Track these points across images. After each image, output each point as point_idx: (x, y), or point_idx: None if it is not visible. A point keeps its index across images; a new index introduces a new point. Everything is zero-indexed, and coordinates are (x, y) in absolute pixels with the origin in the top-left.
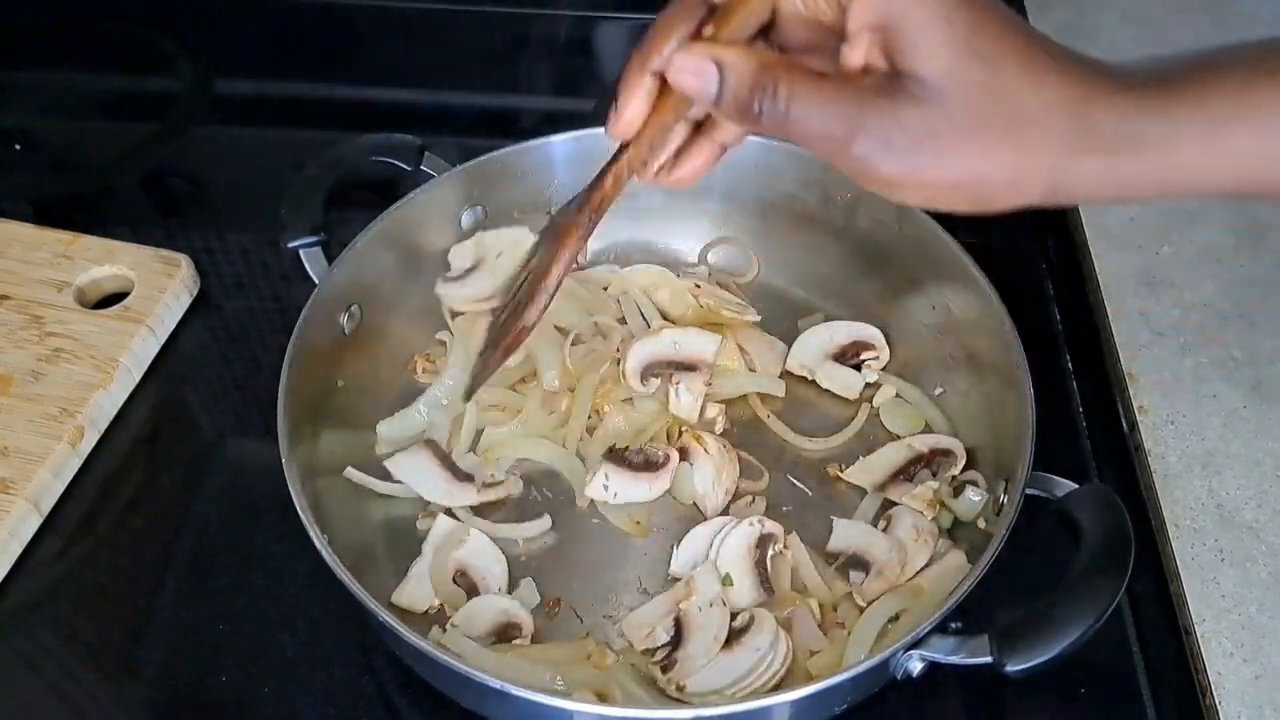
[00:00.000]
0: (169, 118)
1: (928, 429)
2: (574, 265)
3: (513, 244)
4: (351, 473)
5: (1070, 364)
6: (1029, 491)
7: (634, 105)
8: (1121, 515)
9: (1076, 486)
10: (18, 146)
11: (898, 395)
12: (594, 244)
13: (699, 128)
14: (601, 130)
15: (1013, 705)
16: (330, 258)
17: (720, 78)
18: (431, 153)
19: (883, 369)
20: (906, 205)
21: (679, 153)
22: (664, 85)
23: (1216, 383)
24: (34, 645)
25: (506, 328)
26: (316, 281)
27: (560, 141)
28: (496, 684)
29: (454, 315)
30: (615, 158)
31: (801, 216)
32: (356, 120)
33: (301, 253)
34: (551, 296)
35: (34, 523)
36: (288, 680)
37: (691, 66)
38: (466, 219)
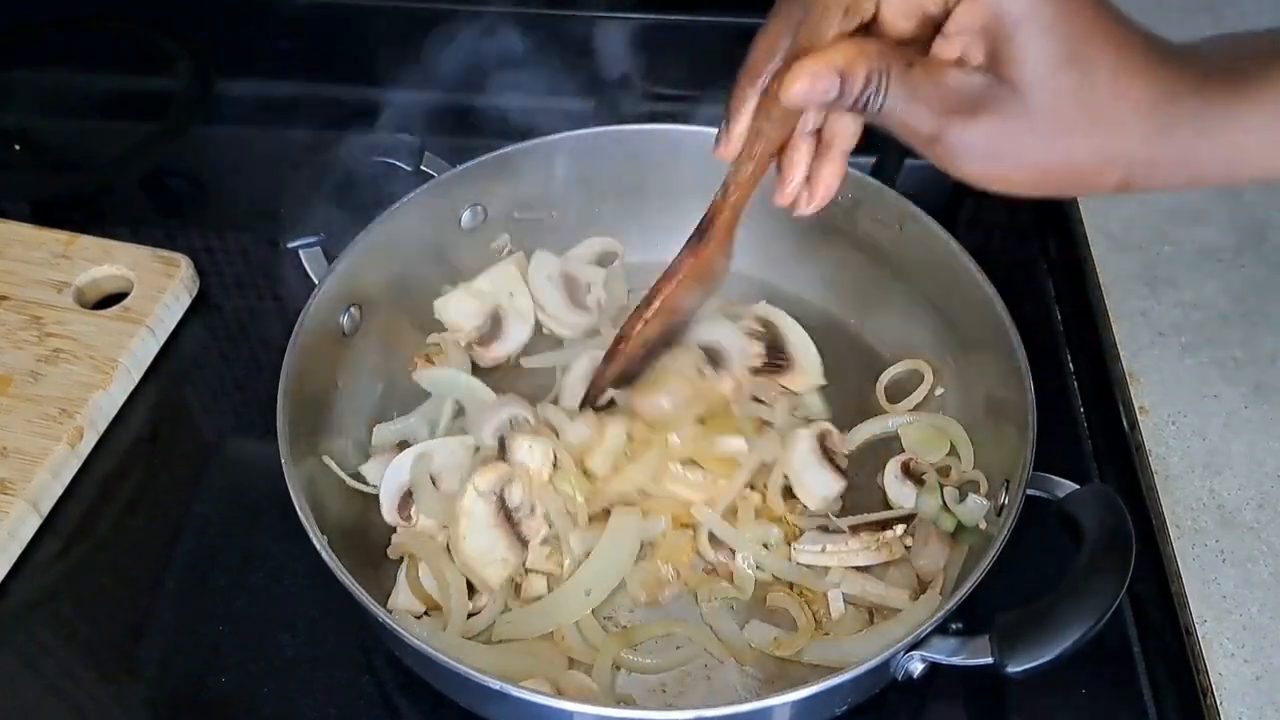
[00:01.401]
0: (169, 118)
1: (953, 452)
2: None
3: (515, 279)
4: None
5: (1070, 364)
6: (1030, 492)
7: (743, 122)
8: (1122, 515)
9: (1077, 487)
10: (18, 146)
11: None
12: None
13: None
14: (601, 130)
15: (1013, 706)
16: (330, 258)
17: (840, 82)
18: (431, 153)
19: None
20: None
21: (809, 178)
22: (766, 102)
23: (1217, 383)
24: (34, 645)
25: (613, 343)
26: (316, 281)
27: (560, 141)
28: (496, 684)
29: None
30: (726, 184)
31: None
32: (356, 120)
33: (301, 253)
34: (654, 313)
35: (33, 523)
36: (288, 680)
37: (810, 76)
38: (466, 219)
